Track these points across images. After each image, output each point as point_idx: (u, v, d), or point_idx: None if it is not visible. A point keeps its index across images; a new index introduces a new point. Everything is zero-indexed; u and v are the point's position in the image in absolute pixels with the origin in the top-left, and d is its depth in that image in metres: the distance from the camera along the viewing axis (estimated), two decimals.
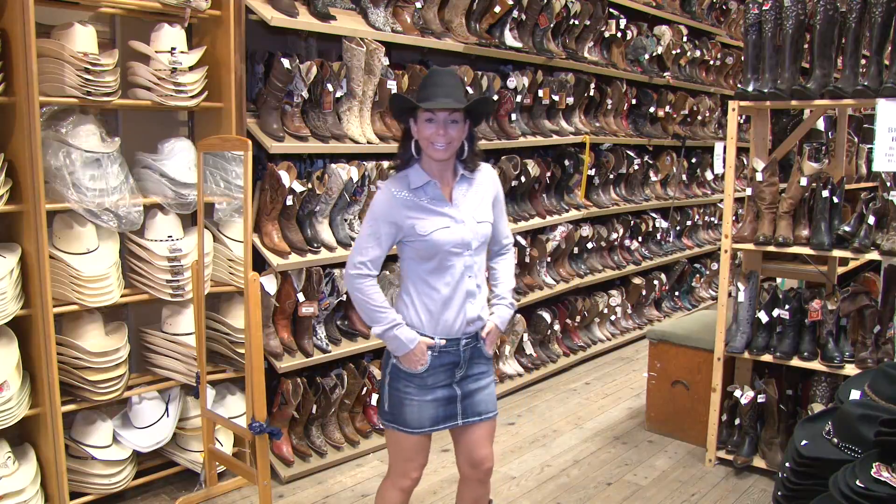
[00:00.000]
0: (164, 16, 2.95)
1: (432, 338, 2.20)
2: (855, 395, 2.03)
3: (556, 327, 4.85)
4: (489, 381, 2.32)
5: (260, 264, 3.15)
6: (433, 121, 2.12)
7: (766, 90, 3.19)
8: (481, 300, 2.27)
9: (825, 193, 3.11)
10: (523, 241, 4.60)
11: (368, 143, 3.55)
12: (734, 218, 3.42)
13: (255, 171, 3.21)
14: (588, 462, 3.56)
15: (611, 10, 5.11)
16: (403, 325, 2.17)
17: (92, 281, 2.73)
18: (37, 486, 2.68)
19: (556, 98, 4.66)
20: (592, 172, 5.10)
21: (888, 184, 3.01)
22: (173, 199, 2.97)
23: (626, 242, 5.56)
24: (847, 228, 3.06)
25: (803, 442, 1.87)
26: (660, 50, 5.57)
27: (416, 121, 2.17)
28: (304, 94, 3.32)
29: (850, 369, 3.06)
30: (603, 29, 5.07)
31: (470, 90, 3.98)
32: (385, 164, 3.62)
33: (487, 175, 2.31)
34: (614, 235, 5.37)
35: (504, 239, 2.42)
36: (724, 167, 3.56)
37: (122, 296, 2.86)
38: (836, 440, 1.82)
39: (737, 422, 3.46)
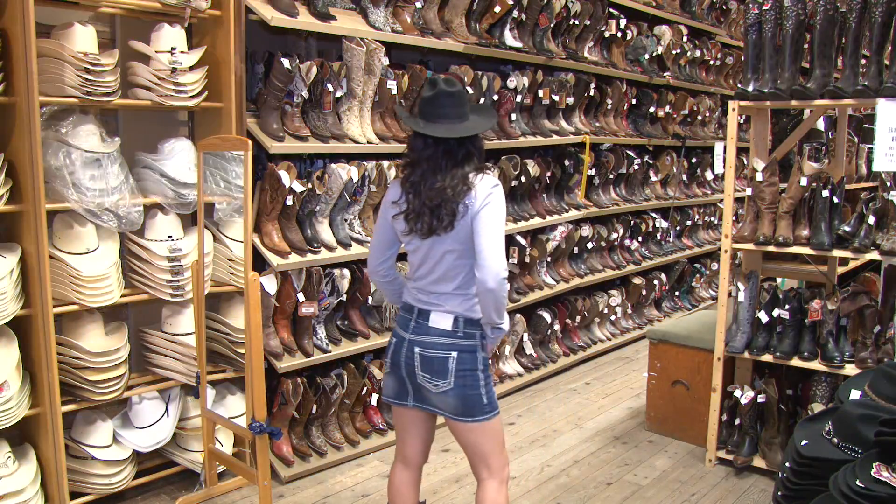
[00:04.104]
0: (164, 16, 2.95)
1: None
2: (855, 395, 2.03)
3: (556, 327, 4.85)
4: None
5: (260, 264, 3.14)
6: None
7: (766, 90, 3.19)
8: None
9: (825, 193, 3.11)
10: (523, 241, 4.60)
11: (368, 143, 3.55)
12: (734, 218, 3.42)
13: (255, 171, 3.21)
14: (588, 462, 3.56)
15: (611, 10, 5.10)
16: None
17: (92, 281, 2.73)
18: (37, 486, 2.68)
19: (556, 98, 4.66)
20: (592, 172, 5.11)
21: (888, 184, 3.00)
22: (173, 199, 2.97)
23: (626, 242, 5.56)
24: (847, 228, 3.06)
25: (803, 442, 1.87)
26: (660, 50, 5.57)
27: None
28: (304, 94, 3.32)
29: (850, 369, 3.06)
30: (603, 29, 5.07)
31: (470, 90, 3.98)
32: (385, 163, 3.62)
33: None
34: (614, 235, 5.37)
35: None
36: (724, 167, 3.56)
37: (122, 296, 2.86)
38: (836, 440, 1.82)
39: (737, 422, 3.46)
